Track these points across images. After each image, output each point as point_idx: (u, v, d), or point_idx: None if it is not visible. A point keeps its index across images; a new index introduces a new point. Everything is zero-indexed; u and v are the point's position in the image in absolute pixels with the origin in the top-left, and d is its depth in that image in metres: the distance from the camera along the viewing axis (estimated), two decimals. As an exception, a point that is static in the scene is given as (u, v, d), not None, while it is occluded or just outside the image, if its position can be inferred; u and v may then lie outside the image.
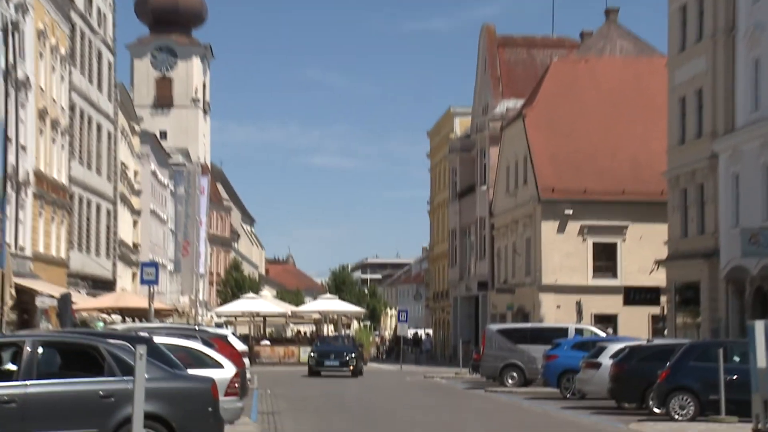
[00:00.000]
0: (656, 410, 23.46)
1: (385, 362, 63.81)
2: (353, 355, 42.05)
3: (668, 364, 22.64)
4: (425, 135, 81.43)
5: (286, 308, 62.63)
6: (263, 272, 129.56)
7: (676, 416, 21.94)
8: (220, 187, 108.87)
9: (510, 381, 35.49)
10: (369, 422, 21.52)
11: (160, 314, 44.79)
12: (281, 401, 27.27)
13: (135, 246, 65.02)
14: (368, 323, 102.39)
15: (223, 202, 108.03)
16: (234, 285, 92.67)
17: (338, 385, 36.26)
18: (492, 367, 36.11)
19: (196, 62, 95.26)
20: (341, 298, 73.36)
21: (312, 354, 42.60)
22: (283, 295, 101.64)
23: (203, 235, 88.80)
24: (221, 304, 77.65)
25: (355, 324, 74.12)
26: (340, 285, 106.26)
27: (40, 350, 12.61)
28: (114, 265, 55.37)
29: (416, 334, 75.43)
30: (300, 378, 40.61)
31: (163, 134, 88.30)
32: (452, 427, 20.94)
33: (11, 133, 36.66)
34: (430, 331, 79.46)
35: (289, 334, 78.33)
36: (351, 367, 41.54)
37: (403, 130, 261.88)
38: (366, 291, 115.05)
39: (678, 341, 27.01)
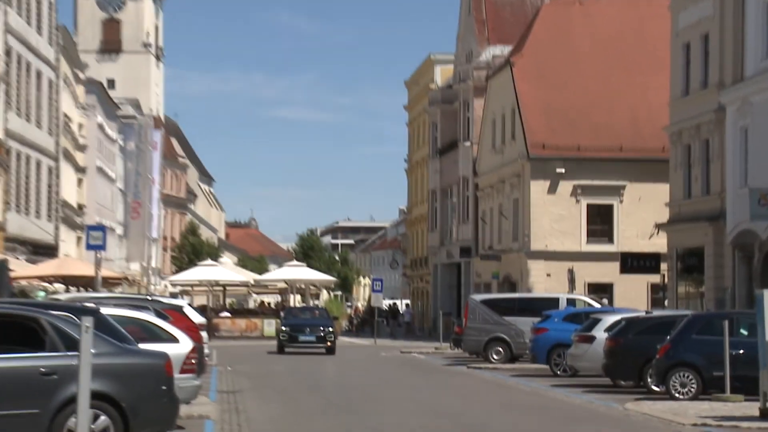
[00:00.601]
0: (655, 388, 23.66)
1: (358, 336, 64.04)
2: (330, 329, 41.61)
3: (668, 337, 22.80)
4: (402, 85, 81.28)
5: (249, 277, 62.67)
6: (223, 237, 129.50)
7: (677, 394, 22.14)
8: (174, 142, 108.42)
9: (495, 357, 35.70)
10: (340, 403, 21.60)
11: (108, 283, 44.66)
12: (243, 379, 27.31)
13: (80, 207, 64.73)
14: (339, 293, 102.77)
15: (178, 159, 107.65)
16: (190, 251, 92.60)
17: (306, 362, 36.34)
18: (475, 341, 36.30)
19: (147, 2, 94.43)
20: (309, 265, 73.46)
21: (284, 328, 41.79)
22: (245, 262, 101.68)
23: (156, 195, 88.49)
24: (176, 272, 77.60)
25: (324, 294, 74.33)
26: (308, 251, 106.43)
27: (-26, 323, 12.52)
28: (56, 228, 55.11)
29: (393, 305, 75.75)
30: (265, 354, 40.69)
31: (111, 83, 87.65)
32: (431, 407, 21.05)
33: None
34: (408, 302, 79.85)
35: (251, 305, 78.48)
36: (329, 343, 41.12)
37: (379, 80, 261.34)
38: (337, 258, 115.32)
39: (679, 313, 27.19)
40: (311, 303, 65.06)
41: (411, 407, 20.80)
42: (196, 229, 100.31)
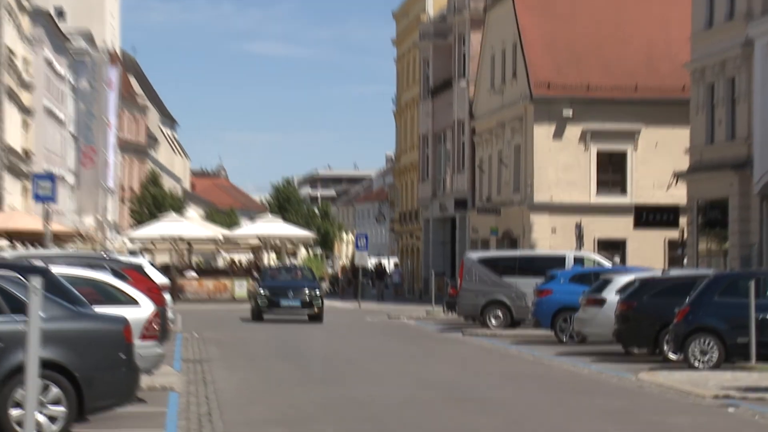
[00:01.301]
0: (672, 356, 23.84)
1: (343, 299, 64.28)
2: (317, 292, 40.08)
3: (687, 300, 22.95)
4: (390, 16, 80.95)
5: (217, 232, 62.70)
6: (188, 187, 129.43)
7: (696, 363, 22.31)
8: (133, 80, 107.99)
9: (494, 322, 35.89)
10: (319, 373, 21.69)
11: (59, 239, 44.65)
12: (212, 347, 27.41)
13: (26, 154, 64.55)
14: (319, 251, 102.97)
15: (137, 100, 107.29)
16: (151, 203, 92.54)
17: (282, 328, 36.48)
18: (472, 304, 36.47)
19: None
20: (286, 219, 73.54)
21: (262, 291, 40.14)
22: (213, 216, 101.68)
23: (112, 140, 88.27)
24: (135, 226, 77.61)
25: (303, 252, 74.44)
26: (284, 204, 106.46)
27: None
28: (0, 177, 54.94)
29: (379, 264, 75.88)
30: (237, 320, 40.78)
31: (61, 13, 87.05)
32: (420, 377, 21.16)
33: None
34: (396, 261, 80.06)
35: (220, 264, 78.54)
36: (316, 309, 39.60)
37: (363, 10, 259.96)
38: (316, 211, 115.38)
39: (700, 272, 27.37)
40: (287, 262, 65.18)
41: (398, 378, 20.92)
42: (157, 179, 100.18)
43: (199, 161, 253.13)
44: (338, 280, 77.70)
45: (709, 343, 22.43)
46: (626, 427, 14.89)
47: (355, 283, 62.94)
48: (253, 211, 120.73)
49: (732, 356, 22.28)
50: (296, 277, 42.09)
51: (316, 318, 39.65)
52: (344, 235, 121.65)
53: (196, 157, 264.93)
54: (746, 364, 21.56)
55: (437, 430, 14.47)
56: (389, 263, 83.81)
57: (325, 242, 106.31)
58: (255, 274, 54.05)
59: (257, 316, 40.07)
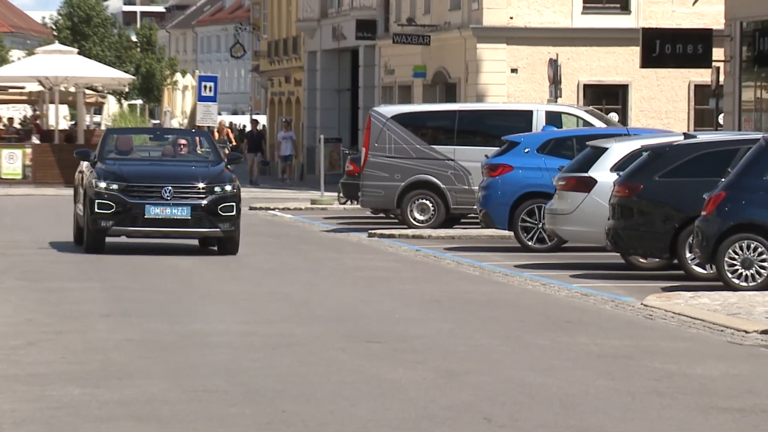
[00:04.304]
0: (698, 269, 24.10)
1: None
2: (228, 187, 30.16)
3: (723, 180, 23.18)
4: None
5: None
6: None
7: (736, 280, 22.57)
8: None
9: (418, 216, 36.06)
10: (138, 298, 21.70)
11: None
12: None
13: None
14: (139, 102, 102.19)
15: None
16: None
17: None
18: (383, 189, 36.66)
19: None
20: (83, 52, 72.82)
21: (101, 184, 30.01)
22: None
23: None
24: None
25: (113, 104, 73.87)
26: (80, 26, 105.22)
27: None
28: None
29: (256, 125, 74.78)
30: (28, 244, 40.49)
31: None
32: (306, 307, 21.28)
33: None
34: (289, 119, 78.95)
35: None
36: (224, 226, 29.72)
37: None
38: (134, 39, 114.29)
39: (743, 136, 27.61)
40: (87, 118, 64.72)
41: (268, 306, 21.01)
42: None
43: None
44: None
45: (756, 249, 22.72)
46: (623, 383, 14.87)
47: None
48: (32, 38, 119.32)
49: (790, 269, 22.62)
50: (177, 153, 32.74)
51: (225, 244, 30.55)
52: (179, 77, 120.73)
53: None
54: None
55: (334, 388, 14.37)
56: (274, 126, 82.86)
57: (149, 89, 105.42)
58: (37, 138, 53.58)
59: (88, 239, 30.63)
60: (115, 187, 29.98)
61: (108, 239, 30.09)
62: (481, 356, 16.70)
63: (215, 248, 30.62)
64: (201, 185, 30.02)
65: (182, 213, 29.91)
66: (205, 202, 29.78)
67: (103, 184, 29.96)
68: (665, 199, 24.67)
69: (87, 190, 30.28)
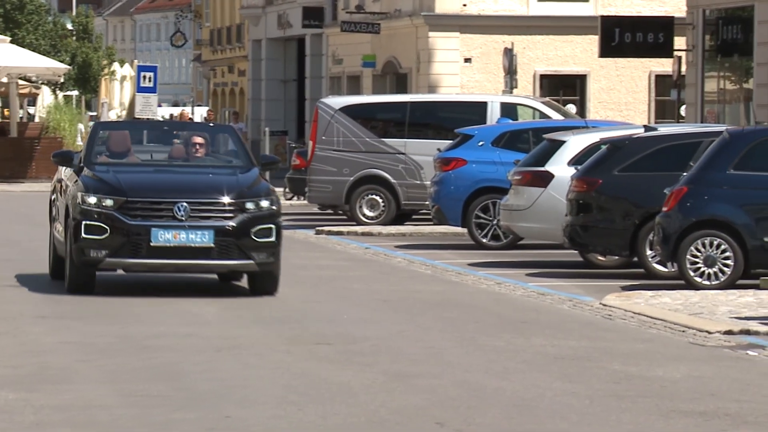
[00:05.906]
0: (658, 267, 24.22)
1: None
2: (267, 202, 23.17)
3: (685, 175, 23.24)
4: None
5: None
6: None
7: (698, 278, 22.68)
8: None
9: (368, 212, 36.13)
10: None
11: None
12: None
13: None
14: (74, 94, 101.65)
15: None
16: None
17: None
18: (331, 184, 36.67)
19: None
20: (16, 40, 72.50)
21: (88, 200, 23.20)
22: None
23: None
24: None
25: (47, 95, 73.51)
26: (13, 14, 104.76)
27: None
28: None
29: (211, 117, 74.62)
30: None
31: None
32: (250, 308, 21.27)
33: None
34: (235, 110, 78.74)
35: None
36: (265, 257, 22.87)
37: None
38: (70, 27, 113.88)
39: (706, 128, 27.71)
40: (21, 110, 64.47)
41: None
42: None
43: None
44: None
45: (719, 246, 22.79)
46: (581, 386, 14.91)
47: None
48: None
49: (755, 266, 22.67)
50: (189, 155, 25.49)
51: (263, 283, 23.44)
52: (117, 67, 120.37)
53: None
54: (776, 280, 21.95)
55: (280, 392, 14.39)
56: (218, 118, 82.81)
57: (85, 79, 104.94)
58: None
59: (72, 275, 23.42)
60: (109, 203, 23.07)
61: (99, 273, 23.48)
62: (433, 358, 16.73)
63: (239, 282, 24.34)
64: (227, 200, 23.21)
65: (203, 239, 23.05)
66: (233, 223, 22.99)
67: (92, 200, 23.08)
68: (625, 194, 24.76)
69: (70, 206, 23.29)
